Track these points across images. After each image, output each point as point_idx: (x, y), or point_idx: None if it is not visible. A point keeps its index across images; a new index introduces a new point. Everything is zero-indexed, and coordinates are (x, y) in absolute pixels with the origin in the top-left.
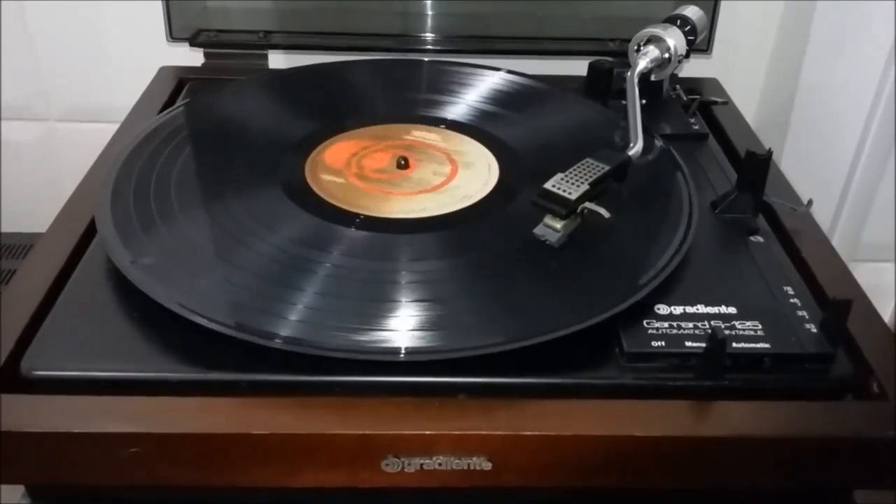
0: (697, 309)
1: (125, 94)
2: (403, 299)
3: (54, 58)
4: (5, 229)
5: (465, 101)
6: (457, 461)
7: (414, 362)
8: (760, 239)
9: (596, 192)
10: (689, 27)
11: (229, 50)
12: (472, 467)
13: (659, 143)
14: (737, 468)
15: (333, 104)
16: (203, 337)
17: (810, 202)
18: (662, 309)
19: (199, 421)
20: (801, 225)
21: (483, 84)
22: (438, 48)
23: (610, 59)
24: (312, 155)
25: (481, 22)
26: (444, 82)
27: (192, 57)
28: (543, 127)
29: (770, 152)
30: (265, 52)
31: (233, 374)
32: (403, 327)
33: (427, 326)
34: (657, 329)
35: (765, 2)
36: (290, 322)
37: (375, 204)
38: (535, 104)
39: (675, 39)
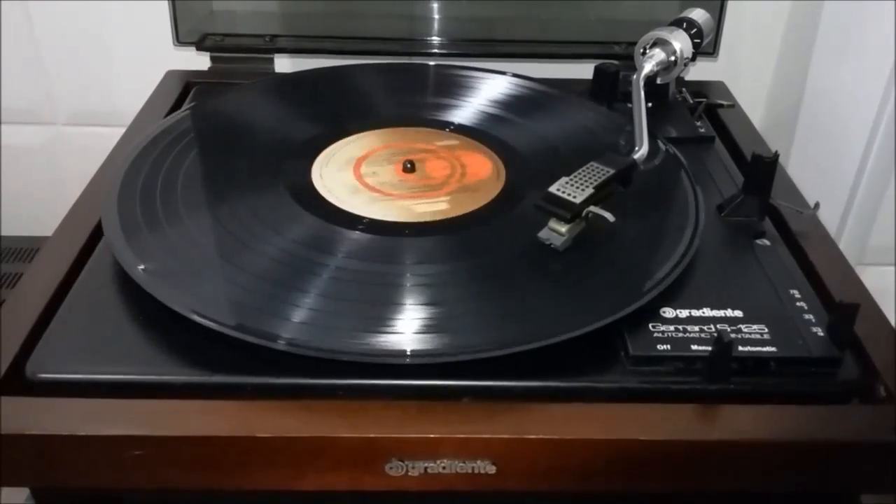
0: (703, 312)
1: (131, 98)
2: (408, 302)
3: (60, 62)
4: (8, 233)
5: (471, 105)
6: (461, 464)
7: (418, 365)
8: (767, 242)
9: (601, 195)
10: (695, 30)
11: (235, 54)
12: (476, 471)
13: (664, 146)
14: (743, 472)
15: (339, 108)
16: (207, 339)
17: (817, 205)
18: (668, 312)
19: (203, 424)
20: (807, 228)
21: (489, 88)
22: (444, 52)
23: (615, 62)
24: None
25: (487, 26)
26: (449, 86)
27: (199, 61)
28: (549, 130)
29: (776, 155)
30: (271, 55)
31: (237, 376)
32: (408, 330)
33: (432, 329)
34: (663, 332)
35: (771, 4)
36: (295, 324)
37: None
38: (540, 108)
39: (681, 42)
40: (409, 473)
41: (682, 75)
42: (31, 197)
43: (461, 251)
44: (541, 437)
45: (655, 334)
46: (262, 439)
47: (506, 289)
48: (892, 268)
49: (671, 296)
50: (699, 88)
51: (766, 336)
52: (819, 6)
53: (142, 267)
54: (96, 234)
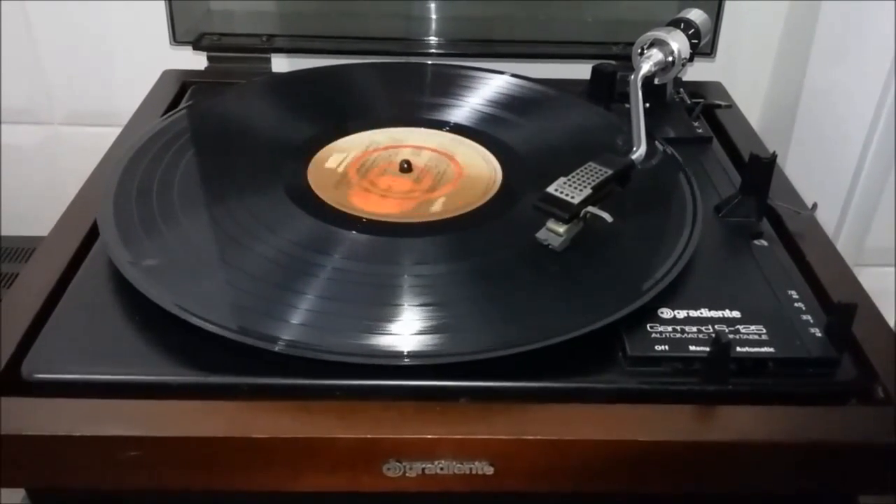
0: (701, 313)
1: (128, 98)
2: (406, 303)
3: (57, 61)
4: (6, 233)
5: (469, 105)
6: (459, 465)
7: (416, 366)
8: (764, 243)
9: (599, 196)
10: (692, 30)
11: (232, 53)
12: (473, 472)
13: (662, 146)
14: (741, 473)
15: (336, 107)
16: (204, 340)
17: (815, 206)
18: (666, 313)
19: (200, 424)
20: (805, 229)
21: (486, 88)
22: (442, 52)
23: (613, 62)
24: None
25: (484, 26)
26: (447, 86)
27: (196, 60)
28: (546, 131)
29: (774, 156)
30: (268, 55)
31: (234, 377)
32: (406, 331)
33: (429, 330)
34: (661, 333)
35: (769, 5)
36: (292, 325)
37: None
38: (538, 108)
39: (678, 43)
40: (407, 474)
41: (679, 76)
42: (29, 196)
43: (459, 252)
44: (539, 437)
45: (653, 335)
46: (259, 440)
47: (503, 289)
48: (891, 269)
49: (669, 296)
50: (697, 89)
51: (764, 337)
52: (816, 6)
53: (130, 260)
54: (92, 233)
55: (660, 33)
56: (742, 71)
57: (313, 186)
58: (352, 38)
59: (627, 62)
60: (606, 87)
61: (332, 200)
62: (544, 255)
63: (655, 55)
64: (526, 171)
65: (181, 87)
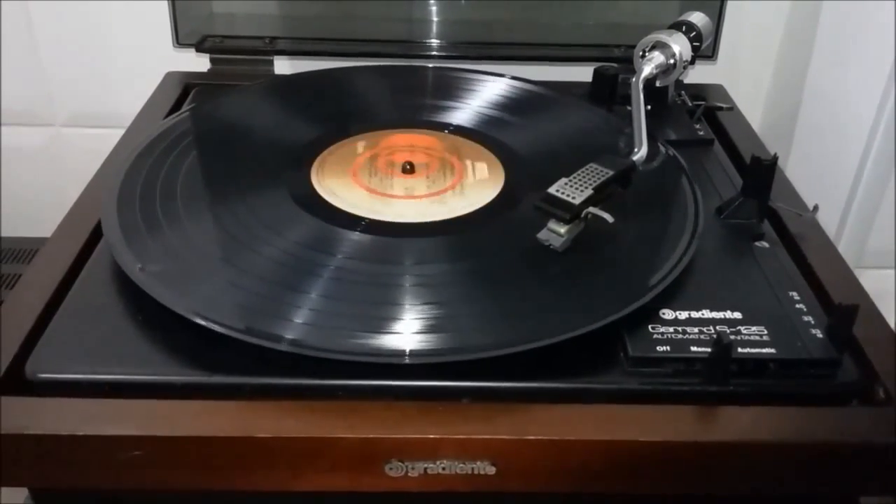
0: (703, 314)
1: (131, 100)
2: (408, 303)
3: (60, 63)
4: (9, 234)
5: (470, 107)
6: (460, 465)
7: (418, 365)
8: (766, 244)
9: (600, 197)
10: (694, 33)
11: (235, 56)
12: (475, 472)
13: (664, 148)
14: (742, 474)
15: (338, 110)
16: (207, 340)
17: (816, 208)
18: (668, 314)
19: (203, 424)
20: (806, 230)
21: (488, 90)
22: (443, 55)
23: (615, 65)
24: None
25: (486, 28)
26: (448, 88)
27: (198, 62)
28: (548, 132)
29: (775, 158)
30: (271, 57)
31: (236, 377)
32: (407, 331)
33: (431, 330)
34: (662, 334)
35: (770, 7)
36: (295, 325)
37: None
38: (539, 110)
39: (680, 45)
40: (409, 474)
41: (681, 78)
42: (31, 198)
43: (460, 252)
44: (540, 437)
45: (655, 336)
46: (261, 440)
47: (505, 289)
48: (891, 271)
49: (670, 297)
50: (698, 91)
51: (765, 338)
52: (817, 8)
53: (140, 266)
54: (96, 234)
55: (661, 36)
56: (743, 73)
57: (316, 188)
58: (354, 41)
59: (629, 65)
60: (608, 90)
61: (334, 201)
62: (545, 256)
63: (657, 58)
64: (527, 172)
65: (184, 89)
